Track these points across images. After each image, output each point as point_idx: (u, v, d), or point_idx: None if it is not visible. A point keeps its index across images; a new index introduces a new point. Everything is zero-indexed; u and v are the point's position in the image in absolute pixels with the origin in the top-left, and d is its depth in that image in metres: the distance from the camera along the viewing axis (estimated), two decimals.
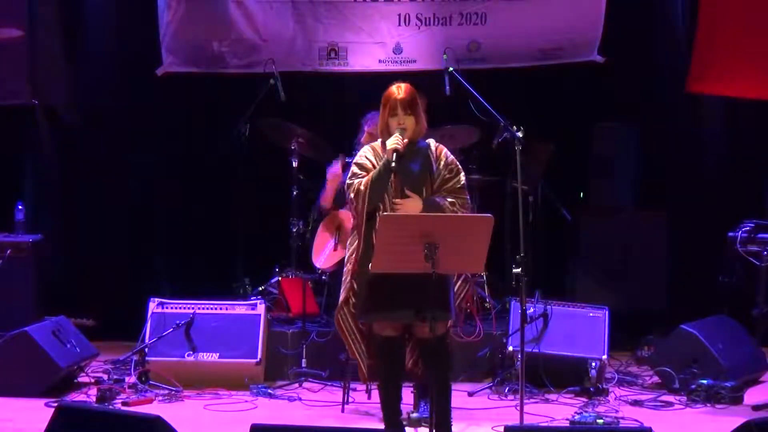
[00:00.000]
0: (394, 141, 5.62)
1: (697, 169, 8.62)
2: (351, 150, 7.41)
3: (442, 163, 5.74)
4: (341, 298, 5.85)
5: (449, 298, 5.64)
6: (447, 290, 5.62)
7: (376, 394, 5.96)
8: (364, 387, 6.85)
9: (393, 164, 5.57)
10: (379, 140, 5.80)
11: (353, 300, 5.78)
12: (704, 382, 6.78)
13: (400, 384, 5.84)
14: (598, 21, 8.39)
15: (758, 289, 7.40)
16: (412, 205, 5.64)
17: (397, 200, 5.65)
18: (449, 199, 5.68)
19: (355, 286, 5.74)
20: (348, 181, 5.73)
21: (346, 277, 5.81)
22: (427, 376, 5.81)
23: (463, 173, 5.78)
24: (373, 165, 5.71)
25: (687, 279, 8.35)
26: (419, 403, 6.16)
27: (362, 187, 5.63)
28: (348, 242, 5.87)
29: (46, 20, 8.59)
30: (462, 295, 5.88)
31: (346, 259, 5.84)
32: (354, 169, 5.75)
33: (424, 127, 5.82)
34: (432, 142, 5.83)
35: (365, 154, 5.79)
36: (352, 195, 5.68)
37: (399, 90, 5.72)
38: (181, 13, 8.51)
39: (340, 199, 7.22)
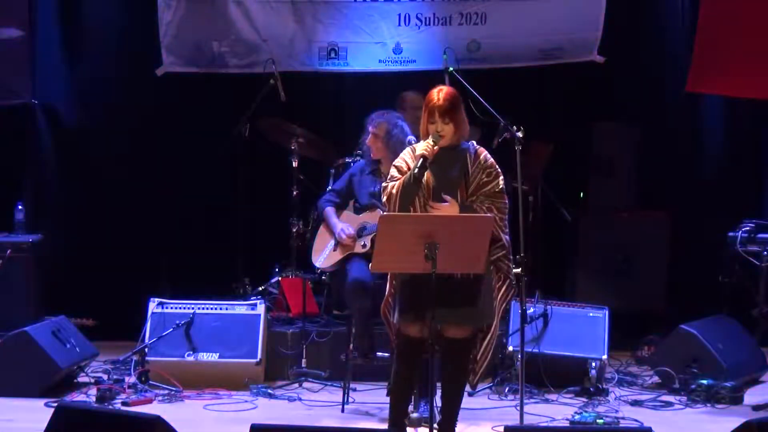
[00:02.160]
0: (423, 147, 5.58)
1: (697, 169, 8.62)
2: (354, 151, 7.41)
3: (480, 165, 5.67)
4: (387, 291, 5.74)
5: (479, 302, 5.55)
6: (476, 295, 5.55)
7: None
8: (366, 387, 6.87)
9: (416, 171, 5.52)
10: (422, 141, 5.75)
11: (393, 291, 5.71)
12: (704, 382, 6.78)
13: (413, 386, 5.80)
14: (598, 21, 8.38)
15: (758, 289, 7.40)
16: (448, 209, 5.60)
17: (434, 204, 5.63)
18: (486, 204, 5.61)
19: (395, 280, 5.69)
20: (384, 184, 5.72)
21: (389, 274, 5.75)
22: (442, 375, 5.74)
23: (502, 177, 5.69)
24: (410, 168, 5.66)
25: (687, 279, 8.34)
26: (419, 403, 6.15)
27: (394, 191, 5.61)
28: None
29: (46, 20, 8.60)
30: (507, 299, 5.75)
31: None
32: (393, 171, 5.71)
33: (467, 131, 5.74)
34: (473, 144, 5.77)
35: (404, 157, 5.74)
36: (384, 199, 5.67)
37: (439, 95, 5.64)
38: (181, 13, 8.50)
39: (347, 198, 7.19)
